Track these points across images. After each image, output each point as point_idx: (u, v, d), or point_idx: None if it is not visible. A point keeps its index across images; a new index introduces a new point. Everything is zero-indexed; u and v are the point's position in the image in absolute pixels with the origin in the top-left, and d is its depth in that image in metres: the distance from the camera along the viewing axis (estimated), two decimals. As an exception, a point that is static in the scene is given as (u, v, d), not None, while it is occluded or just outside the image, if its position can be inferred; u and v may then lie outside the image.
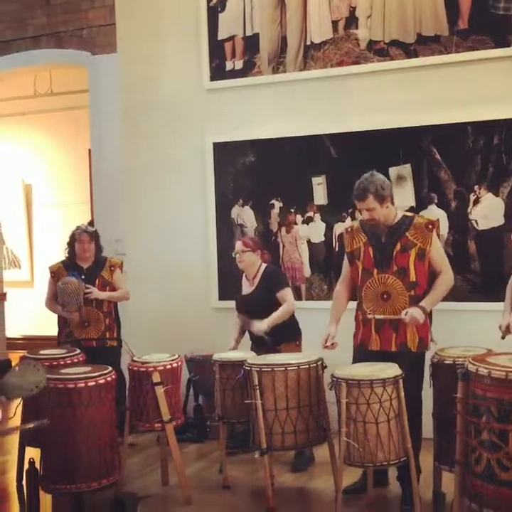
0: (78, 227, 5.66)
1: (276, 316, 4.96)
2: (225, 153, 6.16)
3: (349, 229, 4.45)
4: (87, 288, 5.41)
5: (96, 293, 5.45)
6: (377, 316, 4.20)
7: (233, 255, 5.23)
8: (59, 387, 4.21)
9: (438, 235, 4.31)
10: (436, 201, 5.57)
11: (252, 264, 5.15)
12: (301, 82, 5.91)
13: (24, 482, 4.61)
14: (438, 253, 4.29)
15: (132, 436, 5.33)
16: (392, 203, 4.32)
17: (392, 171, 5.65)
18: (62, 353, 4.93)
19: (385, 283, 4.23)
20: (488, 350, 4.08)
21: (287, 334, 5.05)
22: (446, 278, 4.29)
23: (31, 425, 3.87)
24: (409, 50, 5.59)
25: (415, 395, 4.17)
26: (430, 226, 4.26)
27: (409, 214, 4.43)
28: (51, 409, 4.22)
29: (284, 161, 5.98)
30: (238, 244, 5.20)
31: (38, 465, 4.44)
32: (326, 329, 4.37)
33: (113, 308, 5.62)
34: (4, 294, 8.08)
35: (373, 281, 4.25)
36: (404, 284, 4.20)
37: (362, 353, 4.29)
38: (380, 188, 4.21)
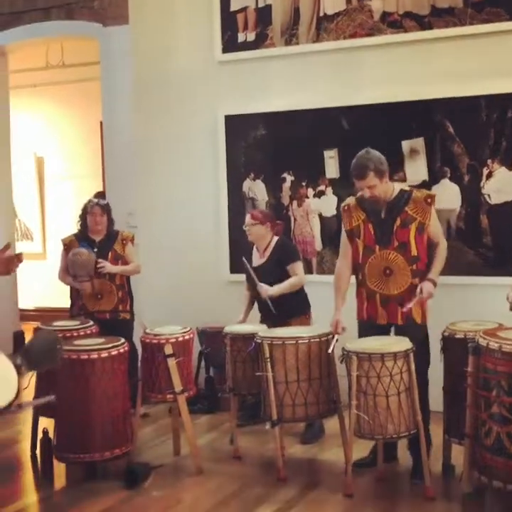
0: (90, 200, 5.67)
1: (284, 287, 4.98)
2: (236, 126, 6.14)
3: (346, 207, 4.40)
4: (100, 262, 5.43)
5: (108, 267, 5.46)
6: (406, 307, 4.18)
7: (244, 228, 5.24)
8: (72, 358, 4.27)
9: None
10: (449, 175, 5.54)
11: (261, 236, 5.15)
12: (314, 54, 5.86)
13: (38, 451, 4.70)
14: (436, 226, 4.31)
15: (144, 408, 5.38)
16: (389, 178, 4.30)
17: (405, 144, 5.62)
18: (76, 325, 4.97)
19: (386, 258, 4.22)
20: (499, 325, 4.10)
21: (297, 308, 5.07)
22: (443, 248, 4.32)
23: (39, 401, 3.89)
24: (423, 22, 5.53)
25: (422, 366, 4.18)
26: (429, 200, 4.24)
27: (407, 188, 4.41)
28: (64, 380, 4.28)
29: (295, 134, 5.95)
30: (247, 217, 5.20)
31: (51, 435, 4.52)
32: (333, 315, 4.35)
33: (125, 281, 5.64)
34: (17, 266, 8.10)
35: (375, 257, 4.25)
36: (405, 258, 4.20)
37: (369, 327, 4.30)
38: (378, 163, 4.19)
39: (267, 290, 4.97)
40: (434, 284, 4.19)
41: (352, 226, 4.33)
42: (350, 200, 4.42)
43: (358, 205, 4.33)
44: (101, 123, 7.14)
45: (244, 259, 5.13)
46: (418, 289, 4.15)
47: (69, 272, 5.49)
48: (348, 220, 4.36)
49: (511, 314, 3.95)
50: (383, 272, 4.23)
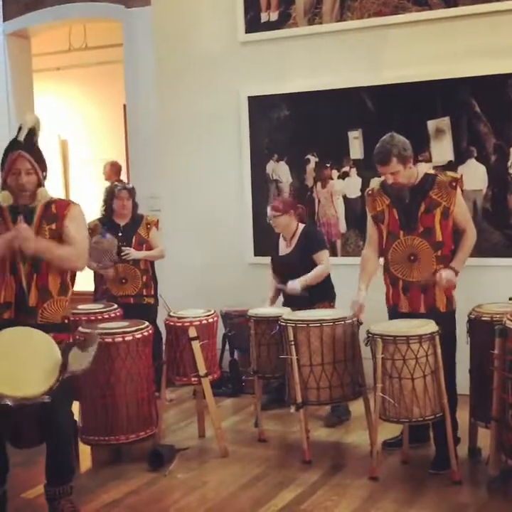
0: (116, 184, 5.66)
1: (310, 277, 4.95)
2: (260, 107, 6.10)
3: (370, 191, 4.33)
4: (124, 250, 5.41)
5: (133, 254, 5.45)
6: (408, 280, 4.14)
7: (268, 221, 5.19)
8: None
9: (462, 190, 4.19)
10: (475, 155, 5.47)
11: (286, 226, 5.11)
12: (338, 34, 5.80)
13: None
14: (462, 211, 4.18)
15: (169, 391, 5.40)
16: (414, 163, 4.21)
17: (431, 124, 5.55)
18: (100, 308, 4.98)
19: (411, 245, 4.15)
20: (526, 307, 4.04)
21: (321, 294, 5.03)
22: (471, 236, 4.20)
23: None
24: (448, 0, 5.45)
25: (448, 354, 4.12)
26: (454, 183, 4.12)
27: (431, 171, 4.33)
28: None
29: (319, 115, 5.90)
30: (269, 210, 5.15)
31: (76, 418, 4.54)
32: (356, 296, 4.28)
33: (150, 265, 5.62)
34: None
35: (400, 243, 4.18)
36: (430, 244, 4.12)
37: (395, 314, 4.25)
38: (402, 149, 4.08)
39: (294, 289, 4.93)
40: (456, 273, 4.11)
41: (376, 211, 4.27)
42: (375, 186, 4.36)
43: (382, 190, 4.26)
44: (124, 106, 7.11)
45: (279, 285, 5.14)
46: (438, 274, 4.07)
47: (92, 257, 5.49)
48: (372, 205, 4.29)
49: (539, 296, 3.91)
50: (408, 258, 4.16)
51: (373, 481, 4.04)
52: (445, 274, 4.07)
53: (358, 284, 4.31)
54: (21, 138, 3.59)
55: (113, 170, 8.79)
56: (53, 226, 3.60)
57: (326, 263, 5.04)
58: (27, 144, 3.59)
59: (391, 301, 4.27)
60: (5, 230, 3.61)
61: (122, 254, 5.41)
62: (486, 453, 4.05)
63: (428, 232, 4.13)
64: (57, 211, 3.63)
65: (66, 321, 3.66)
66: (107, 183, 5.77)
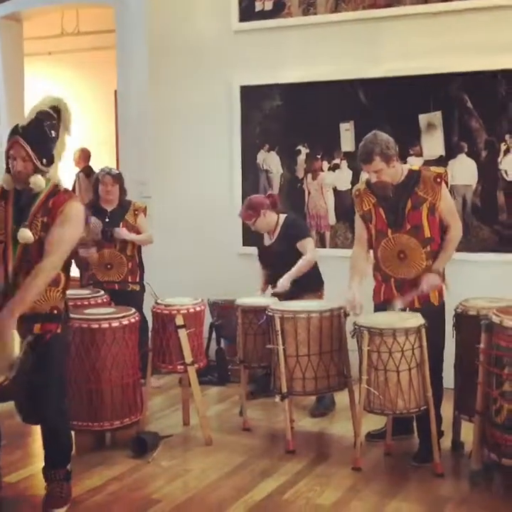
0: (102, 169, 5.63)
1: (298, 268, 4.94)
2: (252, 96, 6.08)
3: (357, 192, 4.32)
4: (114, 230, 5.39)
5: (122, 233, 5.43)
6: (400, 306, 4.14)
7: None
8: (83, 327, 4.27)
9: (447, 184, 4.18)
10: (466, 150, 5.47)
11: (267, 225, 5.09)
12: (332, 25, 5.78)
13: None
14: (447, 206, 4.16)
15: (155, 378, 5.40)
16: (398, 161, 4.17)
17: (422, 118, 5.55)
18: (87, 294, 4.96)
19: (400, 242, 4.14)
20: (513, 302, 4.06)
21: (309, 285, 5.03)
22: (456, 234, 4.19)
23: None
24: (443, -6, 5.45)
25: (439, 346, 4.14)
26: (438, 179, 4.11)
27: (416, 168, 4.32)
28: (74, 349, 4.28)
29: (311, 106, 5.89)
30: (244, 219, 5.14)
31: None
32: (348, 292, 4.23)
33: (136, 252, 5.60)
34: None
35: (388, 241, 4.17)
36: (419, 241, 4.11)
37: (386, 309, 4.24)
38: (385, 148, 4.06)
39: (284, 287, 4.91)
40: (439, 274, 4.12)
41: (364, 211, 4.26)
42: (361, 186, 4.35)
43: (368, 189, 4.26)
44: (116, 92, 7.08)
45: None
46: (420, 287, 4.06)
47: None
48: (360, 204, 4.28)
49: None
50: (397, 256, 4.16)
51: (356, 472, 4.05)
52: (428, 280, 4.06)
53: (348, 283, 4.29)
54: (25, 123, 3.53)
55: (82, 156, 8.80)
56: (45, 219, 3.49)
57: (311, 251, 5.02)
58: (27, 130, 3.50)
59: (382, 297, 4.26)
60: (4, 212, 3.56)
61: (111, 232, 5.38)
62: (469, 446, 4.07)
63: (416, 229, 4.12)
64: (53, 206, 3.50)
65: (55, 311, 3.57)
66: (97, 169, 5.72)
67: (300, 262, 4.95)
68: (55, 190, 3.56)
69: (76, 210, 3.56)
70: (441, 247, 4.16)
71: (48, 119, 3.54)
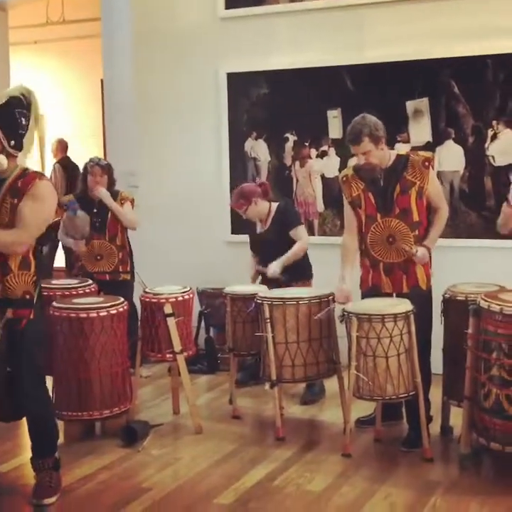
0: (91, 160, 5.59)
1: (290, 255, 4.95)
2: (239, 84, 6.05)
3: (344, 178, 4.32)
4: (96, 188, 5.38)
5: (102, 192, 5.40)
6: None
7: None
8: (71, 317, 4.26)
9: (433, 169, 4.20)
10: (453, 136, 5.48)
11: (258, 213, 5.09)
12: (319, 12, 5.75)
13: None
14: (435, 189, 4.22)
15: (145, 368, 5.40)
16: (386, 145, 4.20)
17: (409, 104, 5.54)
18: (75, 283, 4.95)
19: (389, 226, 4.15)
20: (500, 287, 4.08)
21: (299, 273, 5.03)
22: (444, 214, 4.25)
23: None
24: (430, -21, 5.43)
25: (427, 331, 4.16)
26: (427, 163, 4.14)
27: (403, 153, 4.34)
28: (63, 339, 4.28)
29: (299, 93, 5.87)
30: (235, 208, 5.13)
31: (50, 393, 4.51)
32: (339, 284, 4.26)
33: (127, 241, 5.59)
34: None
35: (377, 226, 4.18)
36: (407, 225, 4.13)
37: (374, 296, 4.23)
38: (373, 129, 4.08)
39: (274, 272, 4.92)
40: (429, 250, 4.14)
41: (353, 197, 4.27)
42: (348, 171, 4.36)
43: (356, 174, 4.26)
44: (102, 81, 7.04)
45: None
46: (414, 249, 4.09)
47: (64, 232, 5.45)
48: (348, 190, 4.29)
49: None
50: (386, 240, 4.17)
51: (346, 458, 4.06)
52: (420, 253, 4.09)
53: (340, 272, 4.29)
54: None
55: (59, 148, 8.75)
56: (15, 201, 3.45)
57: (303, 238, 5.03)
58: None
59: (370, 283, 4.27)
60: None
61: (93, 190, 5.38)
62: (458, 431, 4.09)
63: (405, 212, 4.14)
64: (22, 186, 3.46)
65: (27, 296, 3.51)
66: (85, 160, 5.68)
67: (293, 249, 4.96)
68: (24, 173, 3.53)
69: (45, 188, 3.52)
70: (431, 226, 4.18)
71: (19, 106, 3.52)
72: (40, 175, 3.59)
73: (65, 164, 8.58)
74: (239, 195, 5.10)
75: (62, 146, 8.68)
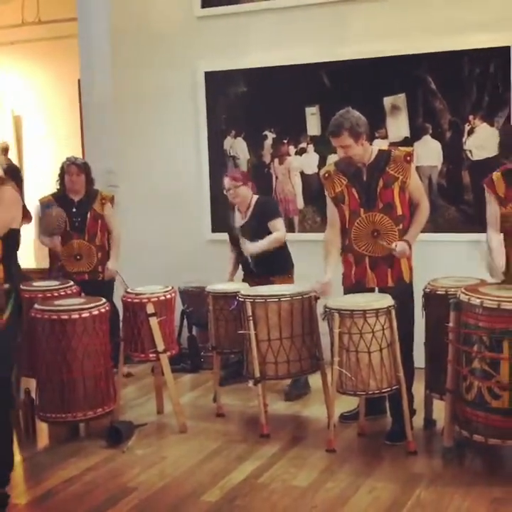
0: (68, 159, 5.57)
1: (265, 243, 4.98)
2: (216, 82, 6.06)
3: (326, 174, 4.34)
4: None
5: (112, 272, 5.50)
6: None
7: (225, 193, 5.18)
8: (53, 319, 4.24)
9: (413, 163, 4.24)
10: (430, 132, 5.51)
11: (245, 196, 5.14)
12: (295, 9, 5.77)
13: (20, 412, 4.69)
14: (416, 184, 4.26)
15: (128, 367, 5.39)
16: (368, 141, 4.23)
17: (387, 100, 5.58)
18: (56, 285, 4.93)
19: (373, 221, 4.19)
20: (480, 281, 4.11)
21: (279, 266, 5.07)
22: (425, 210, 4.28)
23: None
24: (405, -25, 5.46)
25: (409, 325, 4.20)
26: (408, 157, 4.19)
27: (385, 148, 4.39)
28: (45, 341, 4.26)
29: (277, 91, 5.88)
30: (228, 181, 5.15)
31: (33, 395, 4.51)
32: (322, 279, 4.26)
33: (106, 241, 5.58)
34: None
35: (361, 221, 4.21)
36: (391, 219, 4.17)
37: (357, 292, 4.25)
38: (355, 124, 4.12)
39: (248, 248, 4.97)
40: (409, 246, 4.16)
41: (336, 193, 4.28)
42: (329, 167, 4.38)
43: (338, 170, 4.29)
44: (79, 81, 7.00)
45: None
46: (393, 244, 4.12)
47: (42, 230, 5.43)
48: (331, 186, 4.30)
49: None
50: (371, 234, 4.19)
51: (330, 453, 4.09)
52: (399, 245, 4.12)
53: (323, 268, 4.30)
54: None
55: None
56: None
57: (281, 230, 5.08)
58: None
59: (354, 278, 4.29)
60: None
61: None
62: (441, 424, 4.12)
63: (388, 207, 4.17)
64: None
65: None
66: (63, 160, 5.65)
67: (270, 236, 5.00)
68: None
69: (7, 193, 3.49)
70: (412, 222, 4.22)
71: None
72: (1, 180, 3.55)
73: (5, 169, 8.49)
74: (237, 173, 5.30)
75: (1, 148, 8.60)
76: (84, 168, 5.51)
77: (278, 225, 5.07)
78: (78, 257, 5.45)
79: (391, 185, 4.16)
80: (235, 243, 5.21)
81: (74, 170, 5.46)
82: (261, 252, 4.98)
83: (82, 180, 5.49)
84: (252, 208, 5.14)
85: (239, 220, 5.20)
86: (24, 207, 3.79)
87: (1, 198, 3.46)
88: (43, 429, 4.53)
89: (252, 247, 4.99)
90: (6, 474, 3.59)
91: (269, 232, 5.03)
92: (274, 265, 5.01)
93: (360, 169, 4.21)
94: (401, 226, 4.19)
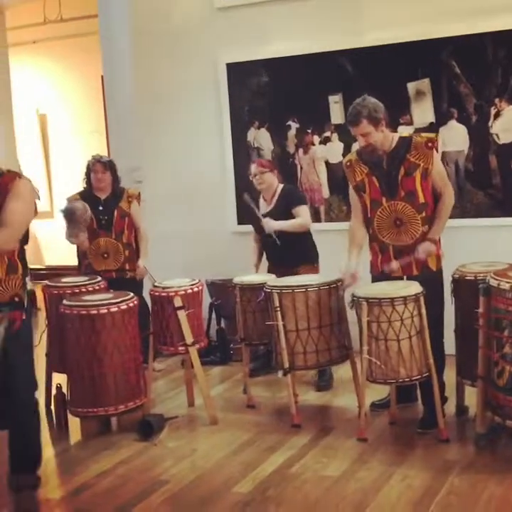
0: (93, 157, 5.58)
1: (288, 224, 4.98)
2: (238, 74, 6.04)
3: (348, 163, 4.31)
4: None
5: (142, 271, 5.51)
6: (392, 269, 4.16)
7: (251, 178, 5.19)
8: (82, 314, 4.27)
9: (437, 151, 4.17)
10: (456, 116, 5.45)
11: (271, 183, 5.14)
12: (315, -3, 5.74)
13: (52, 407, 4.74)
14: (439, 171, 4.17)
15: (157, 361, 5.41)
16: (389, 128, 4.18)
17: (411, 86, 5.52)
18: (84, 280, 4.95)
19: (395, 210, 4.14)
20: (509, 265, 4.06)
21: (305, 255, 5.06)
22: (448, 201, 4.18)
23: None
24: (426, -41, 5.40)
25: (439, 312, 4.15)
26: (430, 144, 4.11)
27: (406, 134, 4.31)
28: (75, 336, 4.29)
29: (299, 80, 5.85)
30: (254, 167, 5.16)
31: (65, 390, 4.55)
32: (346, 265, 4.25)
33: (133, 239, 5.58)
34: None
35: (383, 210, 4.17)
36: (414, 207, 4.11)
37: (386, 280, 4.22)
38: (372, 110, 4.07)
39: (270, 225, 4.99)
40: (434, 242, 4.11)
41: (357, 181, 4.26)
42: (351, 156, 4.35)
43: (359, 159, 4.25)
44: (102, 77, 7.04)
45: (245, 195, 5.21)
46: (417, 250, 4.08)
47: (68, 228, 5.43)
48: (352, 175, 4.28)
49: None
50: (394, 224, 4.15)
51: (362, 443, 4.07)
52: (423, 248, 4.08)
53: (347, 256, 4.28)
54: None
55: None
56: None
57: (305, 217, 5.06)
58: None
59: (380, 267, 4.26)
60: None
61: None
62: (473, 411, 4.09)
63: (410, 195, 4.12)
64: (1, 185, 3.41)
65: (17, 299, 3.48)
66: (88, 157, 5.67)
67: (293, 220, 5.00)
68: (1, 172, 3.47)
69: (25, 186, 3.49)
70: (435, 215, 4.15)
71: None
72: (16, 173, 3.54)
73: None
74: (265, 160, 5.46)
75: None
76: (109, 165, 5.50)
77: (302, 212, 5.05)
78: (105, 255, 5.45)
79: (413, 173, 4.10)
80: (259, 230, 5.20)
81: (99, 168, 5.46)
82: (280, 230, 4.96)
83: (108, 178, 5.49)
84: (278, 195, 5.14)
85: (264, 207, 5.20)
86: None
87: (21, 193, 3.44)
88: (75, 423, 4.56)
89: (273, 223, 4.98)
90: (40, 459, 3.66)
91: None
92: (300, 255, 5.00)
93: (381, 157, 4.17)
94: (424, 214, 4.13)
